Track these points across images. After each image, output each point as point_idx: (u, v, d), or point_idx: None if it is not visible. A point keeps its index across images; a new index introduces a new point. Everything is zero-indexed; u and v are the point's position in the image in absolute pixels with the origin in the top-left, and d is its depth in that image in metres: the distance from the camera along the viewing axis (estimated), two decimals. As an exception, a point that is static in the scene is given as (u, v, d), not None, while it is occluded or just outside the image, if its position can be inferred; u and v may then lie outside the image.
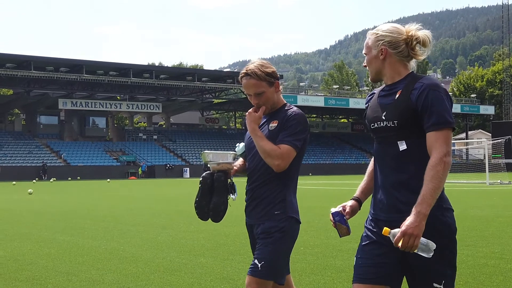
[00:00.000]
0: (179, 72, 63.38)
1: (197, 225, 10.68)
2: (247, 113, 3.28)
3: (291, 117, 3.21)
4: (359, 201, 2.97)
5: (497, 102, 78.04)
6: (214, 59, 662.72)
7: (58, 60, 54.21)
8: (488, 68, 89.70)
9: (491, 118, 73.51)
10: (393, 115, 2.69)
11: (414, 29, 2.75)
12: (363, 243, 2.80)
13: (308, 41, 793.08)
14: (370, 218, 2.82)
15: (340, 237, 2.95)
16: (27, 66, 51.21)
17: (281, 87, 3.37)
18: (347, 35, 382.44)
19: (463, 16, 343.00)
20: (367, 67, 2.85)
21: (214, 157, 3.33)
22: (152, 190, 28.58)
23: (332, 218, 2.92)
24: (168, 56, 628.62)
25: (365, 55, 2.85)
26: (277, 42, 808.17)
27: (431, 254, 2.50)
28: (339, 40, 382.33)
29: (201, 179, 3.35)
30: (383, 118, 2.73)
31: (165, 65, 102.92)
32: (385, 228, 2.54)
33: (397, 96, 2.71)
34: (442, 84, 2.67)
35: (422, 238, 2.49)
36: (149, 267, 6.69)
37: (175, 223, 11.62)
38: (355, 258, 2.82)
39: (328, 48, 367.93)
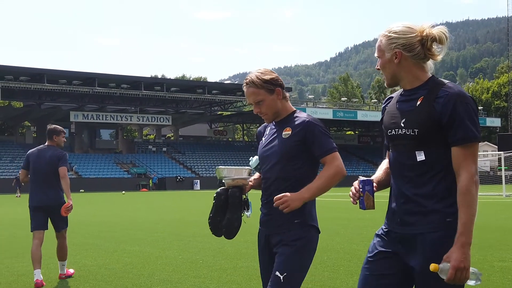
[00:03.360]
0: (189, 85, 64.04)
1: (251, 236, 11.03)
2: (285, 200, 3.02)
3: (309, 129, 3.14)
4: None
5: (503, 115, 78.57)
6: (215, 71, 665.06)
7: (71, 73, 54.82)
8: (492, 80, 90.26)
9: (497, 130, 74.02)
10: (414, 123, 2.54)
11: (428, 27, 2.57)
12: (370, 254, 2.73)
13: (308, 53, 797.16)
14: (384, 228, 2.72)
15: (364, 209, 2.72)
16: (40, 79, 51.78)
17: (287, 94, 3.29)
18: (348, 47, 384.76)
19: (463, 28, 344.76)
20: (381, 71, 2.70)
21: (229, 173, 3.28)
22: (173, 202, 28.92)
23: (359, 186, 2.72)
24: (169, 68, 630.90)
25: (377, 58, 2.69)
26: (277, 54, 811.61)
27: (479, 282, 2.41)
28: (339, 52, 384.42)
29: (215, 195, 3.28)
30: (402, 125, 2.59)
31: (169, 77, 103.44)
32: (433, 264, 2.40)
33: (418, 102, 2.56)
34: (469, 94, 2.53)
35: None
36: (241, 275, 7.07)
37: (228, 234, 11.96)
38: (361, 268, 2.76)
39: (328, 60, 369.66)
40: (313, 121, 3.17)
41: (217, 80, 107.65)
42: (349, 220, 14.62)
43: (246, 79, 3.23)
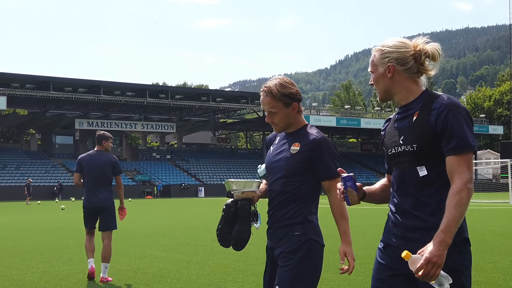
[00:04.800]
0: (194, 93, 64.40)
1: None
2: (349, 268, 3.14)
3: (318, 149, 3.12)
4: (365, 192, 2.82)
5: (505, 122, 78.88)
6: (215, 79, 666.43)
7: (77, 81, 55.20)
8: (494, 88, 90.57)
9: (500, 138, 74.31)
10: (412, 139, 2.52)
11: (422, 43, 2.59)
12: (375, 266, 2.73)
13: (309, 61, 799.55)
14: (382, 243, 2.71)
15: (349, 204, 2.75)
16: (45, 87, 52.08)
17: (303, 108, 3.27)
18: (348, 55, 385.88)
19: (463, 36, 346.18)
20: (374, 86, 2.68)
21: (238, 186, 3.27)
22: (182, 209, 29.12)
23: (342, 183, 2.71)
24: (170, 77, 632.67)
25: (371, 73, 2.68)
26: (277, 61, 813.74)
27: None
28: (339, 60, 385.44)
29: (224, 207, 3.27)
30: (401, 142, 2.57)
31: (170, 85, 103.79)
32: (406, 252, 2.32)
33: (414, 118, 2.54)
34: (462, 104, 2.52)
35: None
36: (276, 279, 7.30)
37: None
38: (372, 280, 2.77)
39: (328, 68, 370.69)
40: (323, 141, 3.15)
41: (218, 88, 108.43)
42: (364, 227, 14.81)
43: (265, 86, 3.18)
